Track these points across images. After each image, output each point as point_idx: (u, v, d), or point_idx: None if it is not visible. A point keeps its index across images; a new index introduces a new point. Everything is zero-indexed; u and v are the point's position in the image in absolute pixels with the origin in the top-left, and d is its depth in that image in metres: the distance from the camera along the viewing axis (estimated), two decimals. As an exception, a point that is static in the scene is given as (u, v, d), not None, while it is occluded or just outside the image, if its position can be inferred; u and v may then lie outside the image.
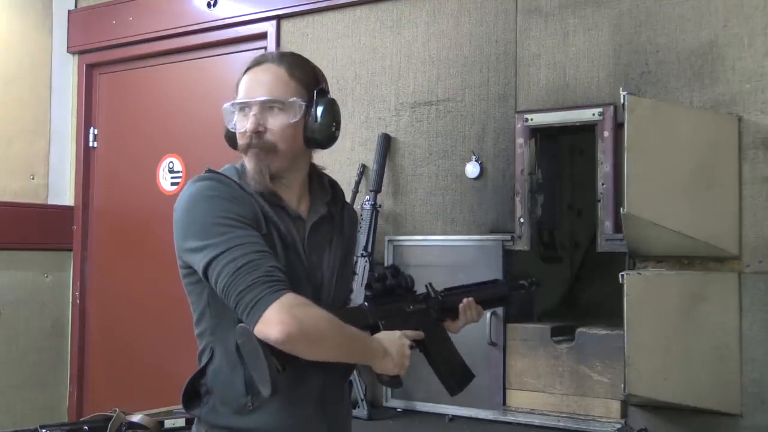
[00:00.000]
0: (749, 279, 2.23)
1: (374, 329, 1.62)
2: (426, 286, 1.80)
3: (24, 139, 3.79)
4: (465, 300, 1.81)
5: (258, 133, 1.54)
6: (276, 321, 1.36)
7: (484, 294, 1.89)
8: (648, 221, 2.14)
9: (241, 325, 1.41)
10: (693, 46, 2.36)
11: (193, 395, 1.53)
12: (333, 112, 1.62)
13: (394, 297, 1.69)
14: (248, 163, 1.56)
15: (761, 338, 2.21)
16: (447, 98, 2.81)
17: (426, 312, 1.74)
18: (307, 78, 1.60)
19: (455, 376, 1.78)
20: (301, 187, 1.64)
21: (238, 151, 1.60)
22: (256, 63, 1.60)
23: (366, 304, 1.65)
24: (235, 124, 1.58)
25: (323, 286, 1.60)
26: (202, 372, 1.52)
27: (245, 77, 1.59)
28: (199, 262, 1.44)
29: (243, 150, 1.57)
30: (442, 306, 1.78)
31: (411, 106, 2.89)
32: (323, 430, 1.61)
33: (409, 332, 1.64)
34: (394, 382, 1.61)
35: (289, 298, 1.38)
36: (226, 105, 1.59)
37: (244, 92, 1.57)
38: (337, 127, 1.63)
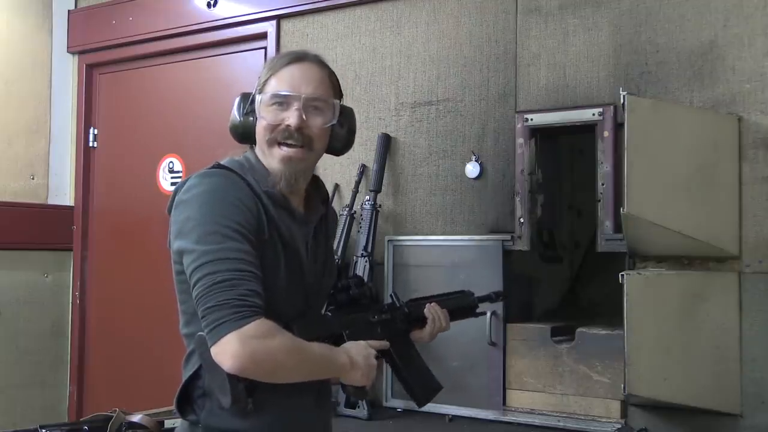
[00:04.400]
0: (749, 279, 2.23)
1: (338, 339, 1.58)
2: (391, 295, 1.79)
3: (24, 139, 3.79)
4: (428, 305, 1.80)
5: (300, 129, 1.53)
6: (230, 352, 1.33)
7: (450, 303, 1.88)
8: (648, 221, 2.14)
9: (200, 334, 1.39)
10: (693, 46, 2.36)
11: (186, 400, 1.51)
12: (354, 121, 1.66)
13: (359, 307, 1.65)
14: (275, 158, 1.54)
15: (761, 338, 2.21)
16: (447, 98, 2.81)
17: (391, 322, 1.71)
18: (337, 84, 1.63)
19: (422, 387, 1.74)
20: (304, 190, 1.64)
21: (251, 144, 1.59)
22: (298, 58, 1.57)
23: (329, 314, 1.62)
24: (264, 116, 1.54)
25: (317, 289, 1.60)
26: (196, 375, 1.49)
27: (286, 70, 1.55)
28: (187, 265, 1.42)
29: (271, 143, 1.54)
30: (408, 316, 1.76)
31: (411, 106, 2.89)
32: (320, 421, 1.63)
33: (374, 342, 1.60)
34: (360, 393, 1.58)
35: (250, 329, 1.34)
36: (266, 95, 1.54)
37: (289, 86, 1.53)
38: (354, 137, 1.66)
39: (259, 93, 1.57)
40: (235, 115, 1.61)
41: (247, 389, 1.38)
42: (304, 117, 1.53)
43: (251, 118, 1.58)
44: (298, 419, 1.55)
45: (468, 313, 1.98)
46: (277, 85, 1.55)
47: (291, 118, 1.52)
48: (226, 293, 1.36)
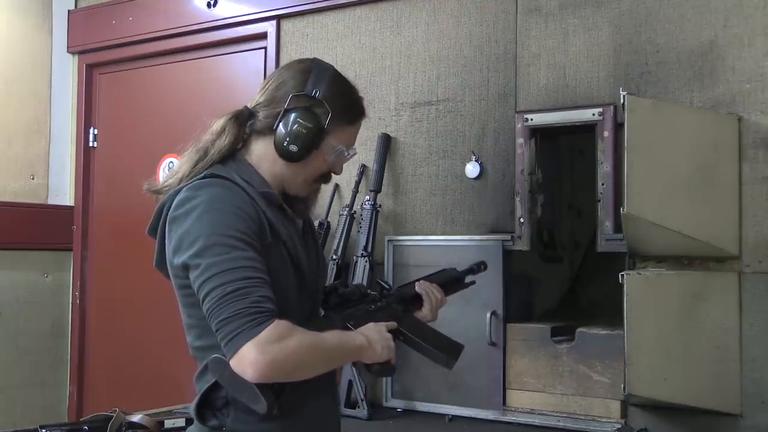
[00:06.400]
0: (749, 279, 2.23)
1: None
2: (377, 282, 1.84)
3: (24, 139, 3.79)
4: (417, 283, 1.83)
5: None
6: (249, 361, 1.33)
7: (435, 278, 1.90)
8: (648, 221, 2.14)
9: (214, 357, 1.38)
10: (693, 46, 2.36)
11: (205, 406, 1.50)
12: None
13: (352, 303, 1.66)
14: (308, 189, 1.64)
15: (761, 338, 2.21)
16: (447, 98, 2.81)
17: (389, 306, 1.72)
18: None
19: (444, 349, 1.76)
20: None
21: (305, 169, 1.60)
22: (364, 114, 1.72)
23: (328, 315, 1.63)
24: (329, 161, 1.63)
25: (315, 287, 1.61)
26: (216, 386, 1.47)
27: (357, 126, 1.70)
28: (193, 280, 1.41)
29: (320, 181, 1.64)
30: (402, 297, 1.78)
31: (411, 106, 2.89)
32: (337, 415, 1.67)
33: (381, 323, 1.62)
34: (387, 368, 1.59)
35: (267, 334, 1.34)
36: (346, 152, 1.64)
37: (354, 143, 1.70)
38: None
39: (330, 120, 1.60)
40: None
41: (275, 393, 1.38)
42: None
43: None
44: (321, 419, 1.58)
45: (457, 285, 2.00)
46: (350, 140, 1.67)
47: (341, 170, 1.67)
48: (239, 303, 1.35)
